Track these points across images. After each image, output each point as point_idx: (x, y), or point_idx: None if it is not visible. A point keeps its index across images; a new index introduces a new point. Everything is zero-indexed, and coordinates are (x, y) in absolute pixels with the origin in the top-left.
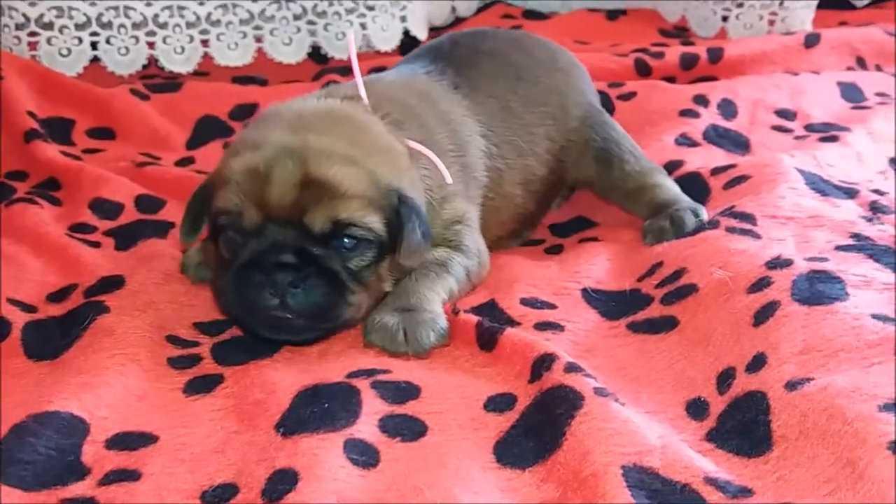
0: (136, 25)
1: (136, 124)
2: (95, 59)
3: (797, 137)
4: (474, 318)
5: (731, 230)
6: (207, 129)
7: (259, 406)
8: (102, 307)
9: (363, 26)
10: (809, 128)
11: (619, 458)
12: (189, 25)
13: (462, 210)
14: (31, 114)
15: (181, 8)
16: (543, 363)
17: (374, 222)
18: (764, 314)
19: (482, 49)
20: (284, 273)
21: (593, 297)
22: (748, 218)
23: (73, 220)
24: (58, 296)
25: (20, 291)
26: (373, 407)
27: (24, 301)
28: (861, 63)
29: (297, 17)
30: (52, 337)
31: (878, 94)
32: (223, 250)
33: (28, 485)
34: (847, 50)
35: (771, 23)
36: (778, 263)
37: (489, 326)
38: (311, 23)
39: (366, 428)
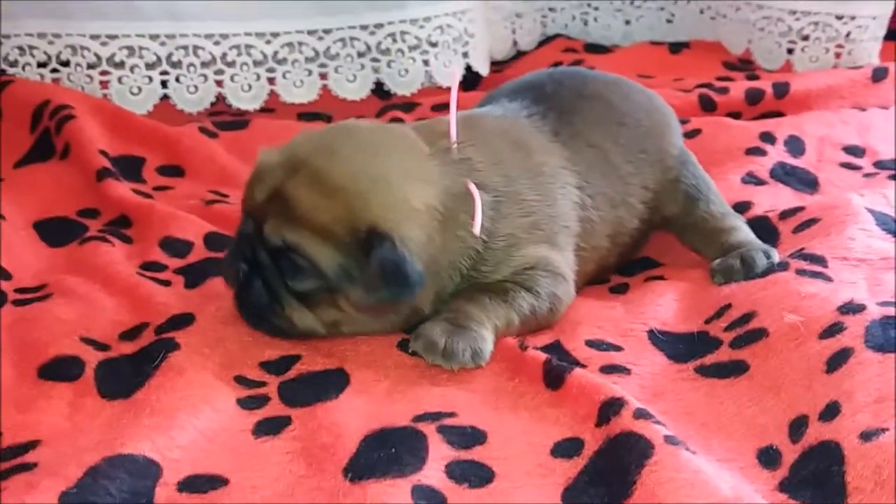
0: (204, 64)
1: (204, 162)
2: (165, 98)
3: (866, 175)
4: (542, 356)
5: (801, 272)
6: None
7: (327, 450)
8: (173, 344)
9: (426, 63)
10: (879, 164)
11: None
12: (256, 64)
13: (537, 256)
14: (103, 152)
15: (248, 47)
16: (611, 407)
17: (323, 257)
18: (837, 361)
19: (586, 93)
20: (239, 262)
21: (660, 339)
22: (819, 260)
23: (144, 258)
24: (130, 334)
25: (94, 330)
26: (440, 452)
27: (97, 339)
28: None
29: (360, 55)
30: (125, 375)
31: None
32: None
33: None
34: None
35: (837, 55)
36: (850, 308)
37: (557, 365)
38: (374, 60)
39: (433, 474)
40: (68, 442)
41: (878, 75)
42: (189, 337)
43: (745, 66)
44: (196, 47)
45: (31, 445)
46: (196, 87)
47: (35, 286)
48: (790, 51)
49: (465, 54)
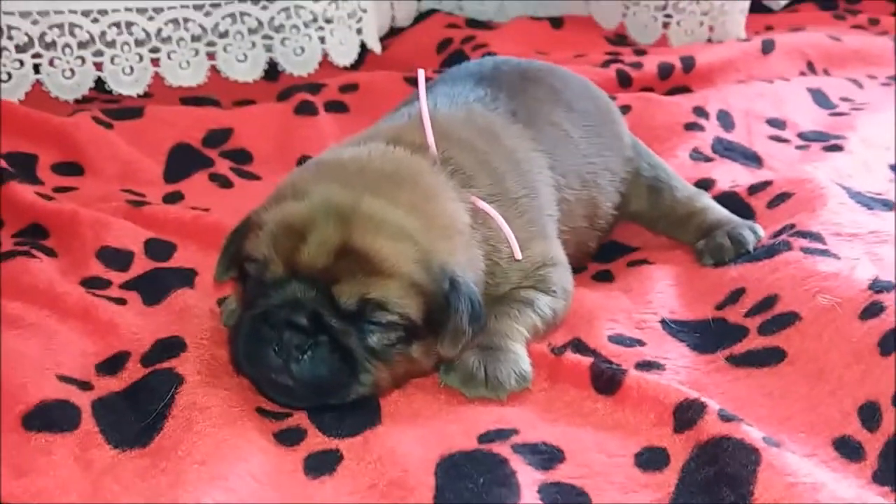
0: (81, 45)
1: (104, 157)
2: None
3: (798, 147)
4: (585, 360)
5: (806, 251)
6: (183, 160)
7: (402, 486)
8: (176, 376)
9: (322, 40)
10: (802, 136)
11: None
12: (138, 43)
13: (543, 252)
14: None
15: (129, 24)
16: (688, 411)
17: (411, 308)
18: (890, 342)
19: (527, 76)
20: (294, 334)
21: (675, 329)
22: (817, 237)
23: (82, 273)
24: (108, 366)
25: (64, 365)
26: (527, 477)
27: (74, 377)
28: (811, 67)
29: (252, 32)
30: (126, 417)
31: (843, 100)
32: (247, 295)
33: None
34: (798, 55)
35: (711, 28)
36: (882, 286)
37: (607, 368)
38: (267, 37)
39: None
40: None
41: (767, 48)
42: (187, 366)
43: (622, 40)
44: (72, 25)
45: None
46: (73, 70)
47: None
48: (665, 25)
49: (359, 31)
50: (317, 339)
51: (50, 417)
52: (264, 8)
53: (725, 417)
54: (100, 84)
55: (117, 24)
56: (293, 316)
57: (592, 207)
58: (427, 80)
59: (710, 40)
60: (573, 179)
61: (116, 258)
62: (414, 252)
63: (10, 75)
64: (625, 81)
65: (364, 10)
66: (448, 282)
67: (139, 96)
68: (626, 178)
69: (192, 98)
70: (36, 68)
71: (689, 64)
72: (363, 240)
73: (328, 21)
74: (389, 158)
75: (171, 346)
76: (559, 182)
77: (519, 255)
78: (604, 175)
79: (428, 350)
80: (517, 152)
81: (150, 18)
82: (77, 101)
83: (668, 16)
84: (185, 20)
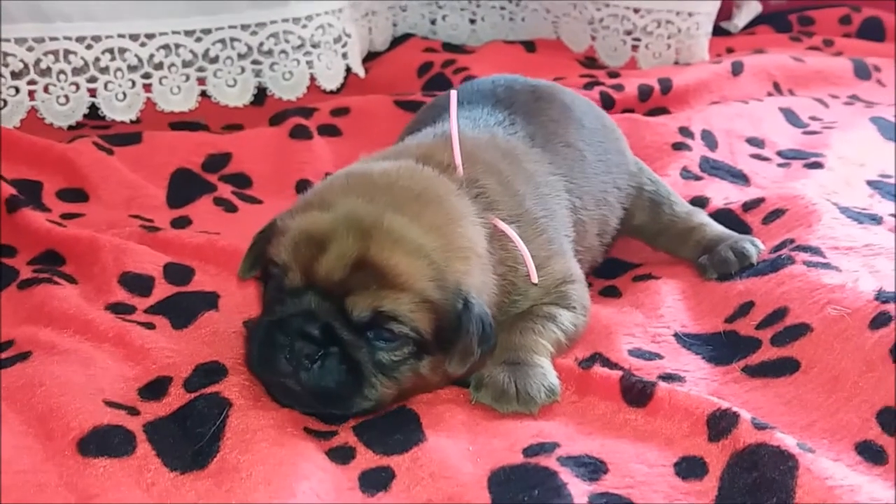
0: (76, 71)
1: (107, 183)
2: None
3: (780, 165)
4: (616, 373)
5: (809, 264)
6: (185, 185)
7: (459, 501)
8: (223, 400)
9: (310, 65)
10: (782, 154)
11: None
12: (131, 69)
13: (563, 269)
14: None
15: (122, 50)
16: (722, 420)
17: (422, 323)
18: None
19: (539, 95)
20: (306, 344)
21: (688, 343)
22: (817, 251)
23: (106, 299)
24: (151, 391)
25: (107, 391)
26: (577, 488)
27: (119, 402)
28: (777, 88)
29: (241, 57)
30: (177, 441)
31: (813, 119)
32: (267, 298)
33: None
34: (765, 76)
35: (677, 51)
36: (888, 297)
37: (637, 381)
38: (256, 62)
39: None
40: None
41: (736, 69)
42: (232, 390)
43: (592, 63)
44: (67, 51)
45: None
46: (67, 97)
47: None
48: (634, 48)
49: (345, 55)
50: (327, 350)
51: (105, 443)
52: (254, 34)
53: (759, 426)
54: (91, 111)
55: (111, 50)
56: (306, 326)
57: (603, 225)
58: (421, 102)
59: (677, 62)
60: (588, 201)
61: (138, 283)
62: (430, 270)
63: (5, 102)
64: (608, 103)
65: (349, 35)
66: (462, 302)
67: (130, 122)
68: (630, 193)
69: (182, 123)
70: (30, 95)
71: (666, 86)
72: (380, 254)
73: (315, 46)
74: (419, 178)
75: (212, 372)
76: (575, 204)
77: (535, 279)
78: (612, 192)
79: (436, 367)
80: (536, 176)
81: (143, 45)
82: (70, 128)
83: (637, 39)
84: (177, 46)
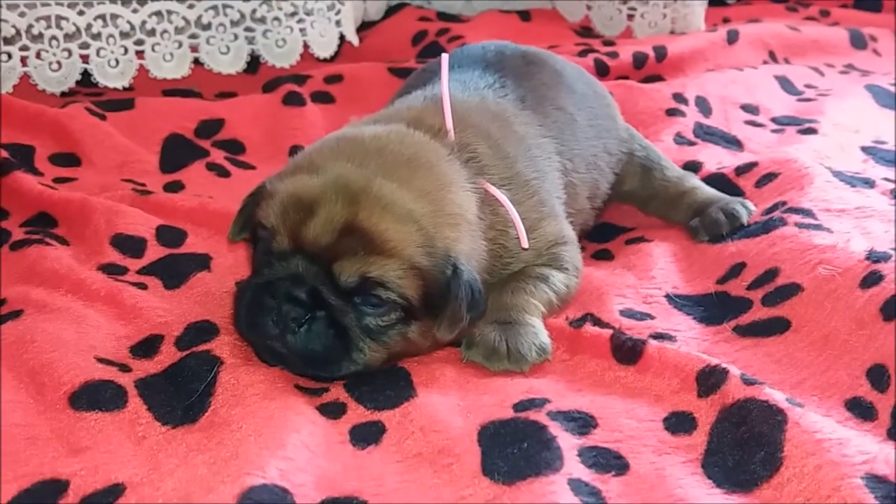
0: (68, 37)
1: (100, 148)
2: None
3: (774, 131)
4: (606, 332)
5: (801, 226)
6: (178, 150)
7: (448, 453)
8: (214, 358)
9: (303, 32)
10: (776, 121)
11: (854, 470)
12: (123, 35)
13: (555, 230)
14: None
15: (115, 16)
16: (711, 376)
17: (409, 289)
18: (891, 308)
19: (530, 59)
20: (293, 307)
21: (679, 303)
22: (809, 213)
23: (98, 260)
24: (143, 349)
25: (99, 348)
26: (566, 441)
27: (111, 359)
28: (773, 56)
29: (234, 24)
30: (170, 397)
31: (808, 86)
32: (256, 260)
33: None
34: (760, 45)
35: (673, 21)
36: (879, 256)
37: (627, 339)
38: (249, 29)
39: (574, 466)
40: (159, 481)
41: (732, 38)
42: (224, 349)
43: (588, 32)
44: (59, 17)
45: (115, 491)
46: (59, 63)
47: None
48: (630, 17)
49: (338, 23)
50: (314, 315)
51: (96, 397)
52: (246, 0)
53: (748, 381)
54: (84, 77)
55: (103, 17)
56: (293, 290)
57: (594, 189)
58: (414, 68)
59: (672, 32)
60: (579, 163)
61: (130, 245)
62: (418, 236)
63: None
64: (602, 70)
65: (342, 3)
66: (451, 268)
67: (123, 89)
68: (621, 158)
69: (175, 90)
70: (22, 61)
71: (661, 53)
72: (369, 220)
73: (308, 13)
74: (409, 142)
75: (204, 330)
76: (566, 166)
77: (525, 244)
78: (603, 157)
79: (425, 332)
80: (527, 138)
81: (135, 11)
82: (63, 94)
83: (633, 9)
84: (169, 12)
